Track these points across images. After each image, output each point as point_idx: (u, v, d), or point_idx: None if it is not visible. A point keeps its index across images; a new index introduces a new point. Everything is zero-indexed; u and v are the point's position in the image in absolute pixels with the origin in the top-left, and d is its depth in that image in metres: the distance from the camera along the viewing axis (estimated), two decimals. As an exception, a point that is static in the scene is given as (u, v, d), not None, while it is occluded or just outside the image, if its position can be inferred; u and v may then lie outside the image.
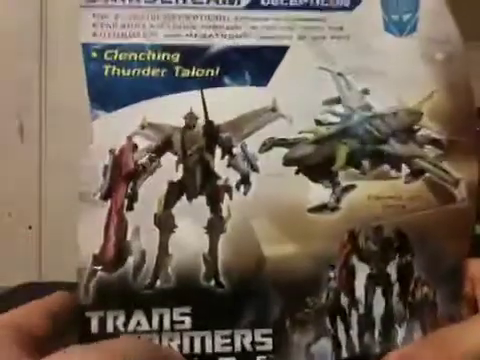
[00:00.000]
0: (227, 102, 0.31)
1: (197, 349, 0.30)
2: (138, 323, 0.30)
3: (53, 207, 0.92)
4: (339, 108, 0.32)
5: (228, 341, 0.30)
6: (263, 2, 0.31)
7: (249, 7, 0.31)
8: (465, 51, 0.32)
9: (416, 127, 0.32)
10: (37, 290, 0.65)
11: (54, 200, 0.91)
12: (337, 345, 0.31)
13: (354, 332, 0.31)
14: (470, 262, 0.32)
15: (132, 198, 0.30)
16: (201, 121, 0.31)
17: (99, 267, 0.30)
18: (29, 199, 0.93)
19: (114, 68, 0.30)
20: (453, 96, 0.32)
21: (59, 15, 0.90)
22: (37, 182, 0.93)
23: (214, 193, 0.31)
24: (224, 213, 0.31)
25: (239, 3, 0.31)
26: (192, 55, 0.31)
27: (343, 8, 0.32)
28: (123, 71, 0.30)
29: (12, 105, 0.93)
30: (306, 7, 0.31)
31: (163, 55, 0.31)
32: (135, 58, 0.30)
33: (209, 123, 0.31)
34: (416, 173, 0.32)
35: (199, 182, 0.31)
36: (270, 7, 0.31)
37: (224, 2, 0.31)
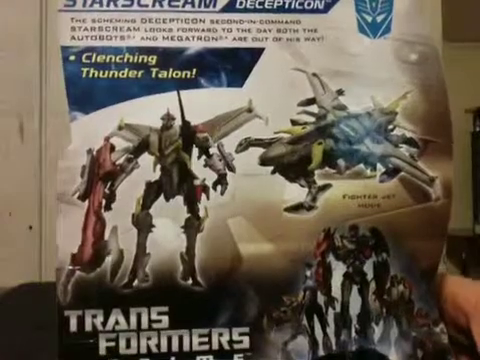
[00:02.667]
0: (203, 103, 0.31)
1: (175, 348, 0.30)
2: (116, 322, 0.30)
3: (53, 207, 0.92)
4: (314, 108, 0.32)
5: (206, 340, 0.30)
6: (238, 5, 0.32)
7: (224, 10, 0.32)
8: (439, 52, 0.33)
9: (391, 127, 0.32)
10: (37, 290, 0.65)
11: (54, 200, 0.91)
12: (314, 343, 0.31)
13: (331, 330, 0.31)
14: (461, 291, 0.32)
15: (110, 198, 0.31)
16: (178, 122, 0.31)
17: (77, 267, 0.30)
18: (29, 199, 0.93)
19: (92, 70, 0.31)
20: (427, 96, 0.32)
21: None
22: (37, 182, 0.93)
23: (191, 193, 0.31)
24: (201, 213, 0.31)
25: (214, 6, 0.32)
26: (169, 57, 0.31)
27: (317, 10, 0.32)
28: (101, 73, 0.31)
29: (12, 105, 0.93)
30: (281, 10, 0.32)
31: (140, 57, 0.31)
32: (112, 60, 0.31)
33: (186, 124, 0.31)
34: (391, 172, 0.32)
35: (176, 182, 0.31)
36: (245, 10, 0.32)
37: (199, 5, 0.32)
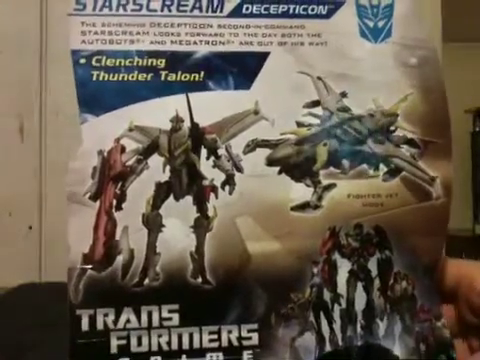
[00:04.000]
0: (211, 105, 0.32)
1: (185, 345, 0.31)
2: (128, 320, 0.31)
3: (53, 207, 0.91)
4: (319, 110, 0.33)
5: (215, 337, 0.31)
6: (245, 10, 0.33)
7: (231, 15, 0.33)
8: (439, 54, 0.34)
9: (392, 128, 0.33)
10: (37, 290, 0.65)
11: (54, 200, 0.90)
12: (321, 339, 0.32)
13: (337, 326, 0.32)
14: (475, 271, 0.33)
15: (121, 198, 0.31)
16: (187, 124, 0.32)
17: (89, 266, 0.30)
18: (29, 199, 0.92)
19: (102, 73, 0.31)
20: (427, 98, 0.33)
21: (59, 16, 0.91)
22: (37, 182, 0.93)
23: (200, 193, 0.32)
24: (210, 212, 0.32)
25: (222, 11, 0.33)
26: (177, 61, 0.32)
27: (321, 16, 0.33)
28: (111, 76, 0.32)
29: (12, 105, 0.93)
30: (285, 15, 0.33)
31: (149, 61, 0.32)
32: (122, 64, 0.32)
33: (194, 126, 0.32)
34: (393, 172, 0.33)
35: (185, 182, 0.32)
36: (251, 15, 0.33)
37: (207, 10, 0.33)
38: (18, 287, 0.65)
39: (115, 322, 0.30)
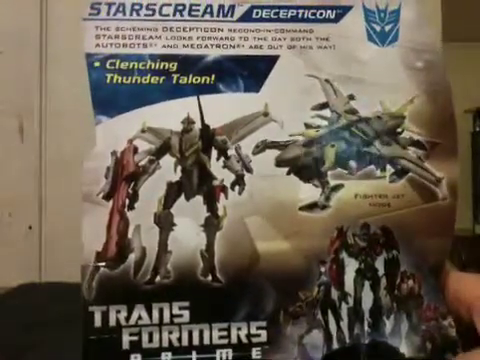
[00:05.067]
0: (222, 107, 0.33)
1: (196, 341, 0.32)
2: (139, 317, 0.31)
3: (53, 207, 0.92)
4: (327, 112, 0.34)
5: (225, 333, 0.32)
6: (254, 15, 0.34)
7: (241, 19, 0.34)
8: (444, 58, 0.35)
9: (399, 130, 0.34)
10: (37, 290, 0.65)
11: (54, 200, 0.91)
12: (328, 336, 0.32)
13: (344, 324, 0.33)
14: (462, 285, 0.33)
15: (133, 198, 0.32)
16: (198, 125, 0.33)
17: (102, 264, 0.31)
18: (29, 199, 0.93)
19: (116, 76, 0.32)
20: (433, 101, 0.34)
21: (59, 16, 0.92)
22: (37, 182, 0.94)
23: (210, 193, 0.33)
24: (220, 212, 0.32)
25: (232, 16, 0.33)
26: (189, 64, 0.33)
27: (329, 20, 0.34)
28: (124, 79, 0.32)
29: (12, 105, 0.94)
30: (294, 19, 0.34)
31: (162, 64, 0.33)
32: (135, 67, 0.33)
33: (205, 127, 0.33)
34: (400, 173, 0.34)
35: (196, 182, 0.32)
36: (261, 19, 0.34)
37: (218, 15, 0.33)
38: (18, 287, 0.65)
39: (127, 318, 0.31)
